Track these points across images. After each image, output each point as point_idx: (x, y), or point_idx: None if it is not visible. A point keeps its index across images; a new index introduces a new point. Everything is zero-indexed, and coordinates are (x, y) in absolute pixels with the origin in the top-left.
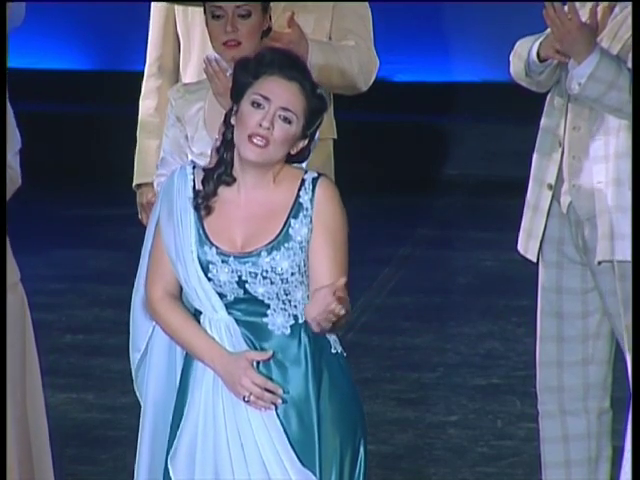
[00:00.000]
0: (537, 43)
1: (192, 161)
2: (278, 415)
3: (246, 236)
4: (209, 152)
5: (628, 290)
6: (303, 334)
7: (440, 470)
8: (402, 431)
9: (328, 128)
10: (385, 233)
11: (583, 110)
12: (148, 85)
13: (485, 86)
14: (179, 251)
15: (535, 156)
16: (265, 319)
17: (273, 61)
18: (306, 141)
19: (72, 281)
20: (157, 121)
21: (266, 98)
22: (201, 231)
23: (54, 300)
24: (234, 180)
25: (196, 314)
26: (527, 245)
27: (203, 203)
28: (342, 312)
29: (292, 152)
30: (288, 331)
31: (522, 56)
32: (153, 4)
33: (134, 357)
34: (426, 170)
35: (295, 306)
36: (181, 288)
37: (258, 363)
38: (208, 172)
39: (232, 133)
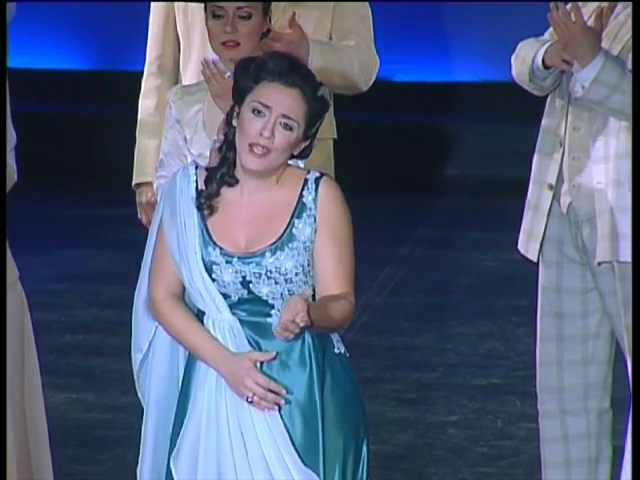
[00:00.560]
0: (543, 50)
1: (194, 161)
2: (282, 416)
3: (250, 237)
4: (208, 153)
5: (628, 290)
6: (307, 334)
7: (440, 470)
8: (402, 431)
9: (328, 128)
10: (385, 233)
11: (583, 111)
12: (147, 84)
13: (485, 86)
14: (182, 252)
15: (536, 156)
16: (269, 319)
17: (274, 67)
18: (308, 142)
19: (72, 281)
20: (156, 120)
21: (266, 106)
22: (205, 232)
23: (54, 300)
24: (236, 182)
25: (199, 315)
26: (527, 245)
27: (206, 203)
28: (302, 324)
29: (294, 153)
30: None
31: (526, 61)
32: (153, 3)
33: (136, 357)
34: (426, 170)
35: None
36: (184, 289)
37: (262, 364)
38: (211, 172)
39: (234, 134)
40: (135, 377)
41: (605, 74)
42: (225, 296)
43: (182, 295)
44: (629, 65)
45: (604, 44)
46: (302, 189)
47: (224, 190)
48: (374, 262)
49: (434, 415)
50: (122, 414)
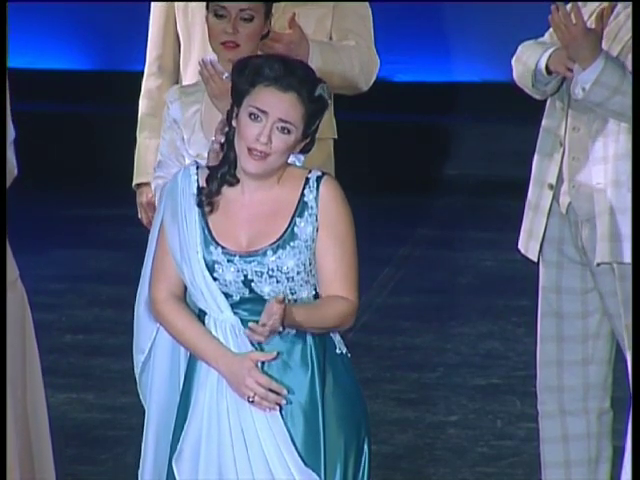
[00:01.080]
0: (546, 55)
1: (195, 161)
2: (283, 416)
3: (251, 235)
4: (206, 154)
5: (628, 290)
6: (308, 334)
7: (440, 470)
8: (402, 431)
9: (328, 128)
10: (385, 233)
11: (583, 111)
12: (148, 84)
13: (485, 86)
14: (184, 252)
15: (536, 156)
16: None
17: (269, 72)
18: (308, 140)
19: (72, 281)
20: (157, 121)
21: (263, 111)
22: (206, 231)
23: (54, 300)
24: (237, 181)
25: (200, 315)
26: (528, 245)
27: (207, 200)
28: (268, 329)
29: (295, 152)
30: (294, 331)
31: (528, 65)
32: (153, 3)
33: (138, 359)
34: (426, 170)
35: None
36: (185, 290)
37: (263, 364)
38: (212, 171)
39: (234, 134)
40: (137, 379)
41: (606, 76)
42: (227, 295)
43: (183, 296)
44: (629, 65)
45: (604, 44)
46: (303, 188)
47: (225, 189)
48: (374, 262)
49: (434, 415)
50: (122, 414)
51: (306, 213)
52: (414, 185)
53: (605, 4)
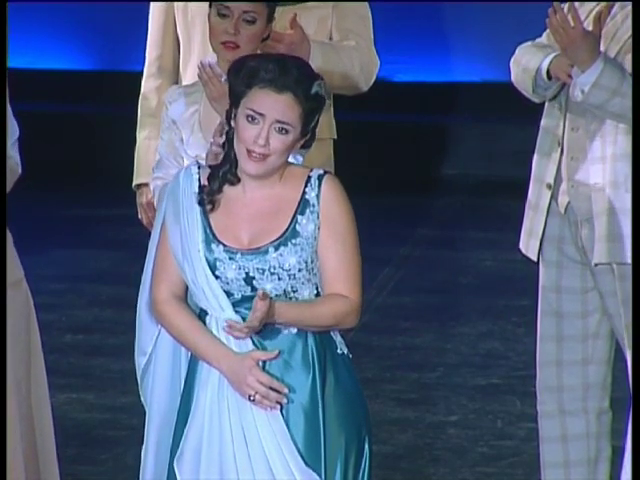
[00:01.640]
0: (547, 61)
1: (197, 161)
2: (284, 415)
3: (253, 233)
4: (204, 155)
5: (628, 290)
6: (309, 333)
7: (440, 470)
8: (402, 431)
9: (328, 128)
10: (385, 233)
11: (582, 111)
12: (147, 85)
13: (485, 86)
14: (186, 250)
15: (535, 156)
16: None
17: (265, 73)
18: (308, 135)
19: (72, 281)
20: (156, 121)
21: (259, 114)
22: (208, 229)
23: (54, 300)
24: (238, 180)
25: (201, 315)
26: (528, 244)
27: (208, 198)
28: (246, 330)
29: (295, 149)
30: (295, 330)
31: (529, 70)
32: (152, 3)
33: (140, 361)
34: (426, 170)
35: None
36: (186, 290)
37: (264, 363)
38: (214, 169)
39: (234, 134)
40: (138, 381)
41: (605, 78)
42: (228, 294)
43: (184, 297)
44: (627, 66)
45: (602, 45)
46: (305, 186)
47: (226, 188)
48: (374, 262)
49: (434, 415)
50: (122, 414)
51: (308, 211)
52: (414, 185)
53: (603, 4)
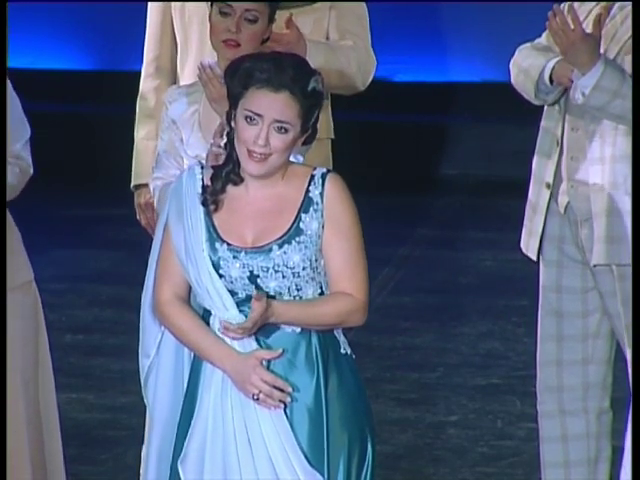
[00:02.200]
0: (550, 66)
1: (199, 162)
2: (288, 414)
3: (256, 231)
4: (204, 155)
5: (627, 290)
6: (313, 333)
7: (440, 470)
8: (402, 431)
9: (326, 128)
10: (385, 233)
11: (582, 111)
12: (145, 85)
13: (485, 86)
14: (189, 250)
15: (535, 156)
16: None
17: (260, 73)
18: (309, 132)
19: (72, 281)
20: (155, 122)
21: (258, 114)
22: (211, 229)
23: (54, 300)
24: (242, 180)
25: (205, 316)
26: (528, 244)
27: (211, 199)
28: (240, 330)
29: (297, 146)
30: (299, 329)
31: (531, 75)
32: (150, 4)
33: (143, 363)
34: (426, 170)
35: None
36: (189, 292)
37: (269, 362)
38: (217, 170)
39: (235, 135)
40: (142, 384)
41: (605, 80)
42: (232, 293)
43: (187, 298)
44: (627, 67)
45: (601, 45)
46: (309, 185)
47: (229, 187)
48: (374, 262)
49: (434, 415)
50: (122, 414)
51: (311, 209)
52: (414, 185)
53: (602, 4)
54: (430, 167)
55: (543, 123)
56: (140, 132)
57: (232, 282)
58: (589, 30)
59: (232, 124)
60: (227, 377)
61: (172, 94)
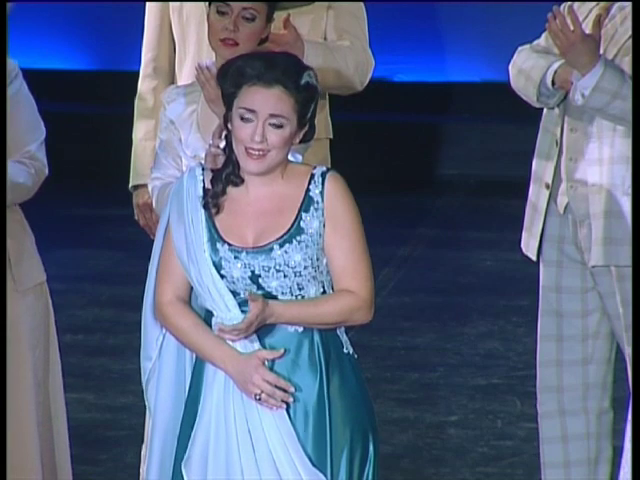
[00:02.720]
0: (552, 70)
1: (200, 163)
2: (291, 414)
3: (257, 231)
4: (202, 155)
5: (627, 291)
6: (316, 332)
7: (440, 470)
8: (402, 431)
9: (324, 128)
10: (385, 233)
11: (581, 112)
12: (143, 86)
13: (485, 86)
14: (191, 251)
15: (535, 156)
16: None
17: (251, 70)
18: (306, 127)
19: (72, 281)
20: (153, 122)
21: (252, 111)
22: (212, 229)
23: (54, 300)
24: (242, 181)
25: (207, 318)
26: (528, 243)
27: (212, 202)
28: (235, 332)
29: (295, 142)
30: (301, 329)
31: (532, 79)
32: (148, 4)
33: (145, 366)
34: (426, 170)
35: None
36: (190, 293)
37: (273, 362)
38: (216, 173)
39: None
40: (144, 386)
41: (605, 81)
42: (234, 294)
43: (189, 299)
44: (626, 68)
45: (600, 46)
46: (309, 183)
47: (230, 189)
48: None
49: (434, 415)
50: (122, 414)
51: (312, 208)
52: (414, 185)
53: (601, 4)
54: (430, 167)
55: (543, 124)
56: (138, 133)
57: (234, 282)
58: (588, 31)
59: (229, 126)
60: (229, 378)
61: (170, 94)
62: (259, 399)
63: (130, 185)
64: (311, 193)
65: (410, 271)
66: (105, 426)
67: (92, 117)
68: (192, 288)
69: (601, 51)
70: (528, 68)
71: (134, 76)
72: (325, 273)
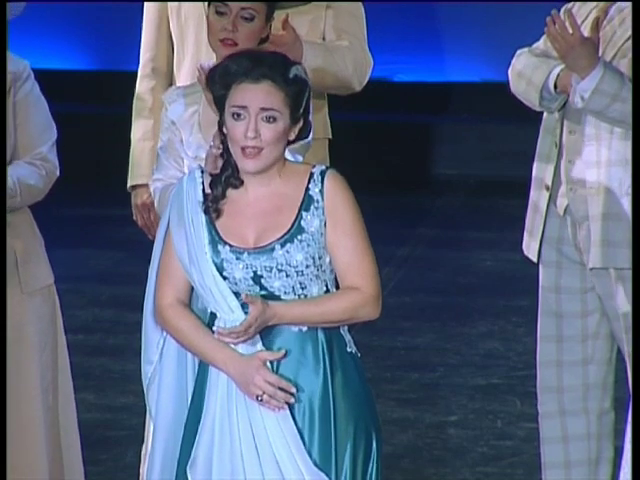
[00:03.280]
0: (554, 75)
1: (200, 165)
2: (296, 414)
3: (258, 231)
4: (204, 155)
5: (626, 292)
6: (320, 331)
7: (440, 470)
8: (402, 431)
9: (323, 128)
10: (385, 233)
11: (579, 115)
12: (142, 86)
13: (484, 86)
14: (192, 254)
15: (536, 157)
16: None
17: (237, 68)
18: (301, 123)
19: (72, 281)
20: (151, 122)
21: (242, 107)
22: (213, 231)
23: None
24: (242, 183)
25: (210, 320)
26: (529, 245)
27: (212, 206)
28: (237, 331)
29: (291, 139)
30: (305, 328)
31: (534, 84)
32: (146, 4)
33: (146, 370)
34: (426, 170)
35: None
36: (190, 296)
37: (278, 363)
38: (215, 176)
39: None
40: (145, 390)
41: (605, 84)
42: (237, 295)
43: (189, 302)
44: (624, 70)
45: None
46: (308, 182)
47: (229, 191)
48: None
49: (434, 415)
50: (122, 414)
51: (312, 207)
52: (414, 185)
53: (600, 5)
54: (430, 167)
55: (543, 126)
56: (137, 133)
57: (236, 283)
58: (587, 33)
59: (224, 130)
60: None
61: (171, 95)
62: (261, 400)
63: (128, 185)
64: (311, 192)
65: (410, 271)
66: (105, 426)
67: (92, 117)
68: (192, 291)
69: (599, 53)
70: (529, 73)
71: (134, 76)
72: (328, 272)
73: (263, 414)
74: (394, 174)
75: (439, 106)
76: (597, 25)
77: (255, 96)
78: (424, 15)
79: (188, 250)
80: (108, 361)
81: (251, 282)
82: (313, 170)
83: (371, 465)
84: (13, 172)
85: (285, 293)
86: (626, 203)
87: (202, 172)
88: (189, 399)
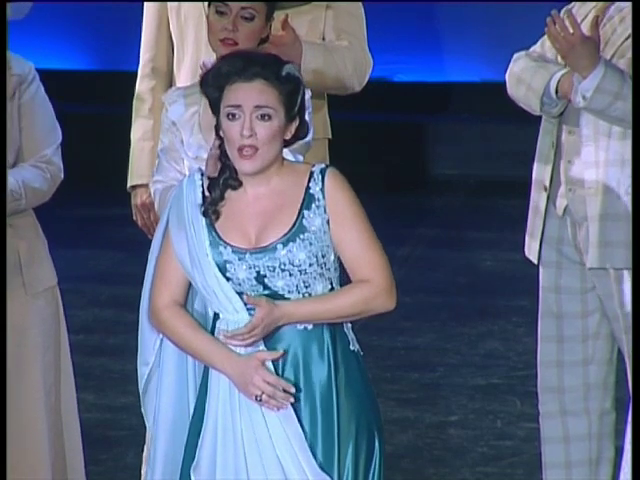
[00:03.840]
0: (555, 80)
1: (199, 168)
2: (301, 415)
3: (259, 231)
4: (205, 156)
5: (625, 292)
6: (325, 329)
7: (440, 470)
8: (402, 431)
9: (322, 128)
10: (385, 233)
11: (578, 115)
12: (141, 86)
13: (484, 86)
14: (194, 256)
15: (536, 158)
16: None
17: (229, 69)
18: (297, 121)
19: (72, 281)
20: (151, 122)
21: (236, 106)
22: (214, 233)
23: None
24: (240, 184)
25: (212, 325)
26: (530, 246)
27: (212, 209)
28: (240, 333)
29: (287, 138)
30: (310, 326)
31: (535, 90)
32: (146, 4)
33: (142, 371)
34: (426, 170)
35: None
36: (186, 299)
37: (284, 362)
38: (213, 180)
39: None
40: (140, 393)
41: (606, 82)
42: (241, 295)
43: (185, 304)
44: (623, 68)
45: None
46: (308, 181)
47: (228, 193)
48: None
49: (434, 415)
50: (122, 414)
51: (313, 205)
52: (414, 185)
53: (600, 5)
54: (430, 167)
55: (542, 127)
56: (136, 133)
57: (240, 284)
58: (587, 32)
59: (221, 134)
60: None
61: (171, 96)
62: (260, 400)
63: (128, 185)
64: (311, 190)
65: (410, 271)
66: (105, 426)
67: (92, 117)
68: (189, 293)
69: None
70: (528, 77)
71: (134, 76)
72: (333, 270)
73: (265, 415)
74: (394, 174)
75: (439, 106)
76: (596, 24)
77: (249, 94)
78: (424, 15)
79: (189, 252)
80: (108, 361)
81: (254, 282)
82: (313, 169)
83: (374, 463)
84: (18, 175)
85: (289, 292)
86: (624, 203)
87: (202, 175)
88: (190, 400)
